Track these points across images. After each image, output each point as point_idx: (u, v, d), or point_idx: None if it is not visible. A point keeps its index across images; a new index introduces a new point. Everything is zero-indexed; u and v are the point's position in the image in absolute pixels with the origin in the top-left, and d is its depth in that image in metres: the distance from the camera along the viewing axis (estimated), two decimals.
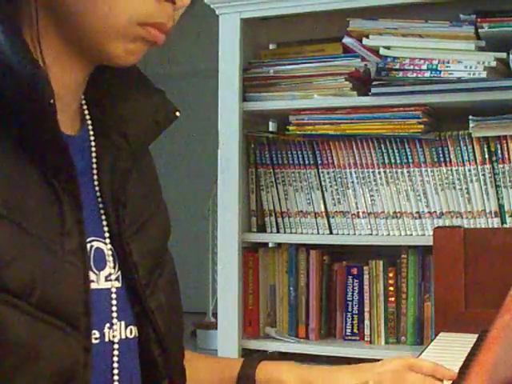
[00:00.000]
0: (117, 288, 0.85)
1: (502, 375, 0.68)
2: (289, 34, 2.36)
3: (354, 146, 2.12)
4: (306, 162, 2.18)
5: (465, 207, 2.02)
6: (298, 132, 2.14)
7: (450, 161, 2.03)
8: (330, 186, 2.16)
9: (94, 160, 0.87)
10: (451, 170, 2.03)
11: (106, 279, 0.84)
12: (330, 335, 2.21)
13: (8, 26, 0.76)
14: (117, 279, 0.86)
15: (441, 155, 2.04)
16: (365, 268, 2.14)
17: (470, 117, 1.96)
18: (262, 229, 2.26)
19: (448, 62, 1.92)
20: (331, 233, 2.17)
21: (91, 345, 0.78)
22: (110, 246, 0.86)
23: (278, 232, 2.23)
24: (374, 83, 2.04)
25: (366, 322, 2.13)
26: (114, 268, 0.86)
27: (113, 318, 0.84)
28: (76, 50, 0.83)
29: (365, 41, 2.02)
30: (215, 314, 2.83)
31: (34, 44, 0.79)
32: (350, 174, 2.13)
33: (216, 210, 2.30)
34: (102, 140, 0.88)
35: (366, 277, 2.13)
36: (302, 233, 2.20)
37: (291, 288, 2.21)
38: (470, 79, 1.91)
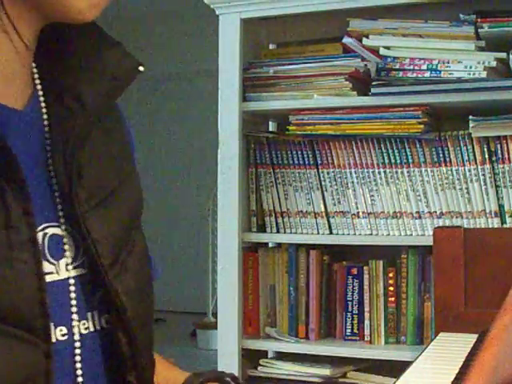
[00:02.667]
0: (81, 275, 0.78)
1: (502, 375, 0.68)
2: (289, 34, 2.36)
3: (354, 146, 2.12)
4: (306, 161, 2.18)
5: (465, 207, 2.02)
6: (298, 132, 2.14)
7: (450, 161, 2.03)
8: (330, 186, 2.16)
9: (47, 135, 0.80)
10: (451, 170, 2.03)
11: (66, 268, 0.77)
12: (329, 335, 2.21)
13: None
14: (81, 265, 0.78)
15: (441, 155, 2.04)
16: (365, 268, 2.14)
17: (470, 117, 1.96)
18: (262, 229, 2.26)
19: (448, 62, 1.92)
20: (331, 233, 2.17)
21: (51, 349, 0.71)
22: (64, 227, 0.78)
23: (277, 232, 2.23)
24: (374, 83, 2.03)
25: (366, 321, 2.13)
26: (77, 253, 0.78)
27: (80, 308, 0.76)
28: (28, 5, 0.76)
29: (365, 41, 2.02)
30: (215, 314, 2.83)
31: None
32: (350, 173, 2.13)
33: (216, 210, 2.30)
34: (54, 107, 0.80)
35: (365, 277, 2.13)
36: (301, 233, 2.20)
37: (291, 288, 2.21)
38: (470, 79, 1.91)
